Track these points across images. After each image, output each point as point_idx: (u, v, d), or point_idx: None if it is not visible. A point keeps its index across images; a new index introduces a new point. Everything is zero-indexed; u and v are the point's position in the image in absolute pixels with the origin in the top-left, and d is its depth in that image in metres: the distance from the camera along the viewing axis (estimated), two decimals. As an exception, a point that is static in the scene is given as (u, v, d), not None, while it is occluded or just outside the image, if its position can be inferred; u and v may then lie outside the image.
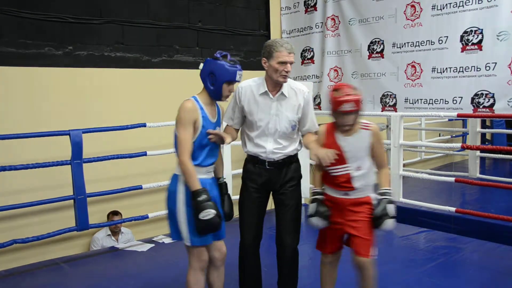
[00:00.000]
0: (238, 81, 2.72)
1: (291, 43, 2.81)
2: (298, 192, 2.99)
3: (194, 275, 2.69)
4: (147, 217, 4.61)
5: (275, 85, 2.85)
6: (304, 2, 5.85)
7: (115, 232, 4.84)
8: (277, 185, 2.93)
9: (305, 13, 5.84)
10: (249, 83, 2.95)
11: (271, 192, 2.99)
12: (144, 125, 4.51)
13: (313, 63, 5.79)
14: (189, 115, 2.56)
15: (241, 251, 3.03)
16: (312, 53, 5.79)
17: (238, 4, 5.87)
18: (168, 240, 4.59)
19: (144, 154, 4.56)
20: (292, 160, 2.96)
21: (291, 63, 2.77)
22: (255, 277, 3.06)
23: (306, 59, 5.85)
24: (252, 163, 2.95)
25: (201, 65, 2.72)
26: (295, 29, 5.99)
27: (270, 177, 2.91)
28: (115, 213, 4.85)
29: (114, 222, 4.69)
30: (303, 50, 5.89)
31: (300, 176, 3.03)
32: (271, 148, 2.87)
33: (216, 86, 2.64)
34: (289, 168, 2.94)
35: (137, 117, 4.73)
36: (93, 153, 4.30)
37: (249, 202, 2.95)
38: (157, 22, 5.17)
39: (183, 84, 5.33)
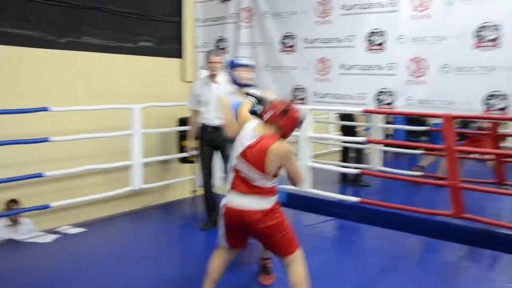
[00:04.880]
0: None
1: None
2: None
3: None
4: (48, 206, 4.38)
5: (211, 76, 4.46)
6: (220, -9, 5.82)
7: (14, 221, 4.55)
8: (217, 142, 4.36)
9: (220, 2, 5.82)
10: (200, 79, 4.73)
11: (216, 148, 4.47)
12: (45, 109, 4.26)
13: (227, 53, 5.79)
14: None
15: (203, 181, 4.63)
16: (226, 44, 5.80)
17: (152, -12, 5.70)
18: (73, 231, 4.39)
19: (46, 140, 4.31)
20: None
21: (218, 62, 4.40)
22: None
23: (219, 49, 5.83)
24: (202, 128, 4.50)
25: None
26: (209, 18, 5.94)
27: (212, 137, 4.40)
28: (14, 201, 4.56)
29: (12, 212, 4.40)
30: (217, 40, 5.88)
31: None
32: (213, 117, 4.37)
33: None
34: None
35: (38, 100, 4.46)
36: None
37: (203, 153, 4.53)
38: None
39: (91, 68, 5.12)
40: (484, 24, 4.01)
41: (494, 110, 4.05)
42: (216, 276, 2.85)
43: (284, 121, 2.72)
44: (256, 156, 2.66)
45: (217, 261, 2.88)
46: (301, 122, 2.86)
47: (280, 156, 2.64)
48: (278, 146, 2.64)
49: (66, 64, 4.92)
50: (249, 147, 2.69)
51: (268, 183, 2.70)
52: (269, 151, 2.62)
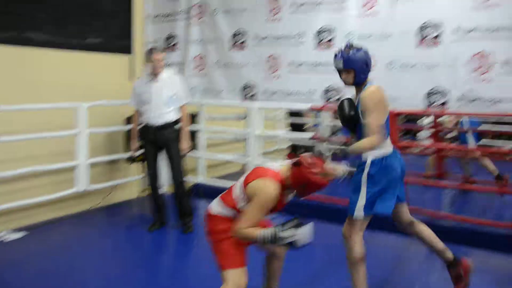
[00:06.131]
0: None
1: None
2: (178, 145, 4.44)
3: None
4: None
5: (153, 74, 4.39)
6: (169, -13, 5.74)
7: None
8: (161, 142, 4.38)
9: (170, -1, 5.74)
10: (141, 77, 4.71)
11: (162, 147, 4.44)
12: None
13: (177, 50, 5.73)
14: None
15: (149, 181, 4.58)
16: (176, 40, 5.73)
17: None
18: (14, 236, 4.19)
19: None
20: (171, 125, 4.38)
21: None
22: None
23: (170, 45, 5.76)
24: (145, 128, 4.43)
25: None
26: (159, 14, 5.85)
27: (156, 137, 4.36)
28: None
29: None
30: (167, 37, 5.80)
31: (178, 136, 4.44)
32: (156, 116, 4.32)
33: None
34: (170, 130, 4.38)
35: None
36: None
37: (147, 153, 4.48)
38: (4, -9, 4.63)
39: (34, 64, 4.89)
40: (426, 23, 4.19)
41: (435, 105, 4.24)
42: None
43: (293, 173, 2.44)
44: (249, 174, 2.53)
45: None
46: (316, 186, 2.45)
47: (256, 188, 2.41)
48: (267, 182, 2.42)
49: (7, 60, 4.67)
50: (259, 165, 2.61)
51: (238, 195, 2.52)
52: (251, 182, 2.45)
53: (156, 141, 4.42)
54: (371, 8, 4.45)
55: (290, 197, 2.60)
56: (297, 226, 2.36)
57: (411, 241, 4.16)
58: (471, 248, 4.02)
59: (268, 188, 2.39)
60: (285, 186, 2.46)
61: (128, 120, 5.43)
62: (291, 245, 2.35)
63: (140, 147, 4.63)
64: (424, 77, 4.26)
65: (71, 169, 4.91)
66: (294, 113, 6.82)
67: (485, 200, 5.59)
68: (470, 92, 4.10)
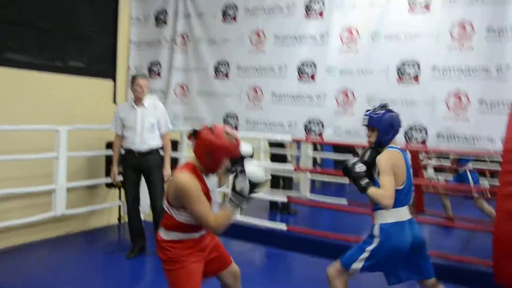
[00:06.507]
0: None
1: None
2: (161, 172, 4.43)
3: None
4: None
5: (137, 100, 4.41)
6: (155, 16, 5.79)
7: None
8: (143, 168, 4.38)
9: (155, 26, 5.80)
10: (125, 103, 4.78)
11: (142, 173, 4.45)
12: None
13: (160, 77, 5.75)
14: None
15: (128, 207, 4.59)
16: (159, 68, 5.76)
17: (84, 6, 5.53)
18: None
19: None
20: (156, 151, 4.42)
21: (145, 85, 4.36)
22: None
23: (153, 73, 5.79)
24: (127, 153, 4.43)
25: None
26: (143, 41, 5.89)
27: (138, 163, 4.36)
28: None
29: None
30: (151, 64, 5.82)
31: (162, 162, 4.44)
32: (139, 142, 4.32)
33: None
34: (154, 156, 4.40)
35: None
36: None
37: (128, 179, 4.47)
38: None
39: (15, 86, 4.86)
40: (405, 61, 4.29)
41: (415, 142, 4.30)
42: None
43: (196, 145, 2.37)
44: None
45: None
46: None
47: (175, 189, 2.34)
48: (176, 177, 2.35)
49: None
50: None
51: (171, 213, 2.42)
52: (171, 180, 2.40)
53: (139, 167, 4.39)
54: (352, 45, 4.54)
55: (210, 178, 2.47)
56: (243, 171, 2.29)
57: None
58: (450, 285, 4.02)
59: (181, 180, 2.31)
60: (198, 169, 2.39)
61: (109, 145, 5.40)
62: (256, 184, 2.27)
63: (120, 173, 4.59)
64: (404, 113, 4.29)
65: (49, 192, 4.83)
66: (275, 144, 6.84)
67: (465, 237, 5.62)
68: (447, 129, 4.17)
